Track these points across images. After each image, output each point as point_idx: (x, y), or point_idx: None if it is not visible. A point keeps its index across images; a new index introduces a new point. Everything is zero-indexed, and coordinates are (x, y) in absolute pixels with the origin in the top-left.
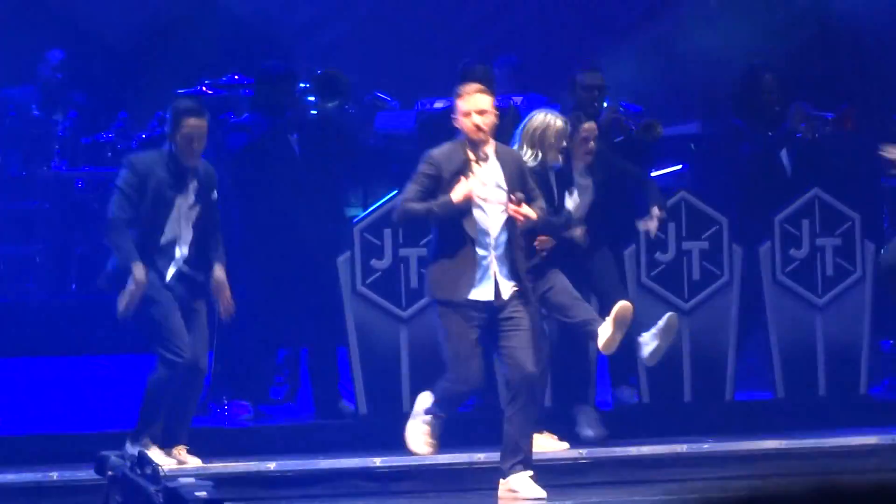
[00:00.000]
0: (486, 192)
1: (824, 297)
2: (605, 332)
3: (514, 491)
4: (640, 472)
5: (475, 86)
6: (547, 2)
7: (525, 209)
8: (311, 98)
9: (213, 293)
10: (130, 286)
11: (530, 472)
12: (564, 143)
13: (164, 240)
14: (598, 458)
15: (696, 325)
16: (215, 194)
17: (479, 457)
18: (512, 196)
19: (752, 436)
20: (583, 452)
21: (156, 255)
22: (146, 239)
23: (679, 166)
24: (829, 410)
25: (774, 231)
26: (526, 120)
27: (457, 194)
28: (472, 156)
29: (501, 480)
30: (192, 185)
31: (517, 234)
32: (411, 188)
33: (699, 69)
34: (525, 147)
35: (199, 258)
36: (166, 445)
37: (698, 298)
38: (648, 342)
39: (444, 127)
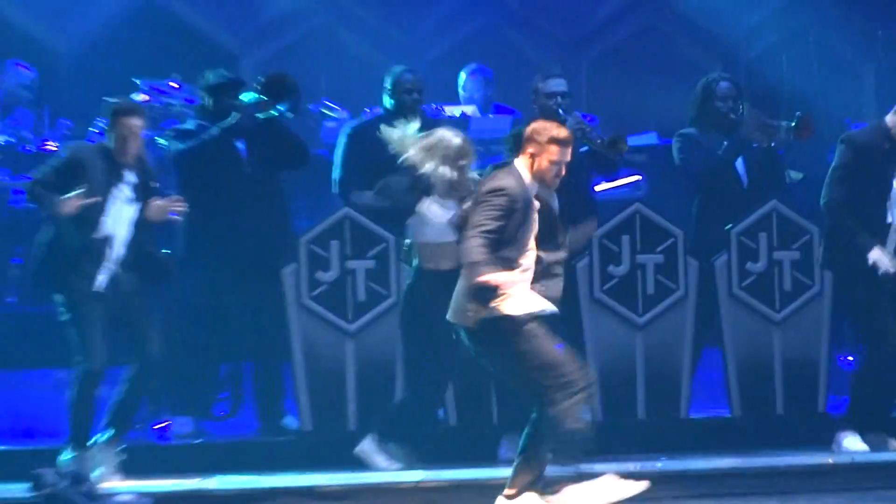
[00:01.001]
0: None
1: (782, 311)
2: None
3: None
4: None
5: (569, 133)
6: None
7: None
8: (258, 104)
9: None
10: (69, 202)
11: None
12: (462, 161)
13: (96, 236)
14: (548, 478)
15: (650, 340)
16: (156, 184)
17: (422, 475)
18: None
19: (706, 454)
20: None
21: (85, 255)
22: (77, 236)
23: (636, 177)
24: (787, 429)
25: (731, 244)
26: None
27: (498, 280)
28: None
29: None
30: (130, 179)
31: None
32: (488, 226)
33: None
34: (424, 160)
35: (136, 259)
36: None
37: (653, 313)
38: None
39: (372, 136)
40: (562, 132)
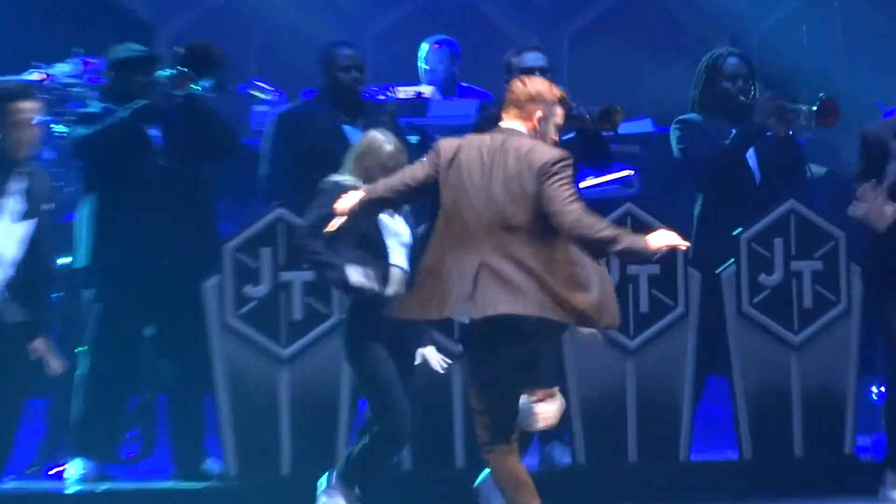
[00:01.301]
0: None
1: (801, 333)
2: None
3: None
4: None
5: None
6: None
7: None
8: (176, 78)
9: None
10: None
11: None
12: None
13: None
14: None
15: (643, 367)
16: (51, 206)
17: None
18: None
19: None
20: None
21: None
22: None
23: (627, 172)
24: (807, 474)
25: (740, 252)
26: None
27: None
28: None
29: None
30: (21, 189)
31: None
32: (579, 199)
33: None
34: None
35: (28, 285)
36: None
37: (646, 335)
38: None
39: (305, 123)
40: (561, 91)
